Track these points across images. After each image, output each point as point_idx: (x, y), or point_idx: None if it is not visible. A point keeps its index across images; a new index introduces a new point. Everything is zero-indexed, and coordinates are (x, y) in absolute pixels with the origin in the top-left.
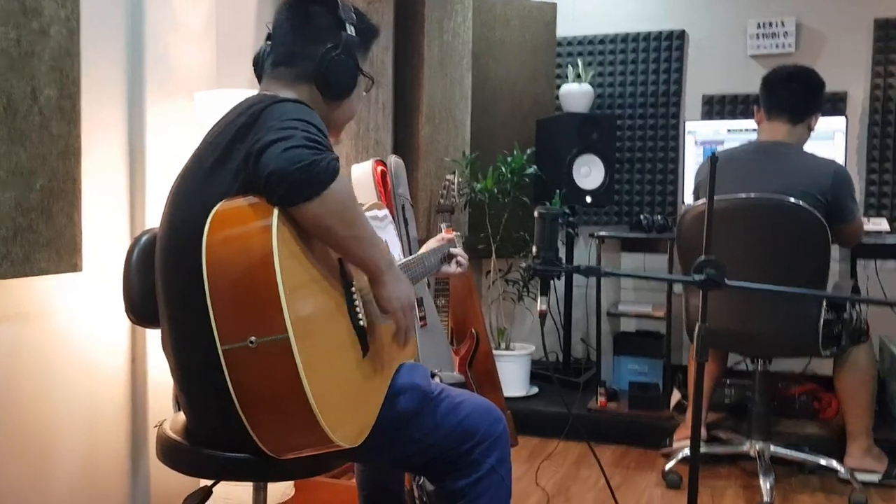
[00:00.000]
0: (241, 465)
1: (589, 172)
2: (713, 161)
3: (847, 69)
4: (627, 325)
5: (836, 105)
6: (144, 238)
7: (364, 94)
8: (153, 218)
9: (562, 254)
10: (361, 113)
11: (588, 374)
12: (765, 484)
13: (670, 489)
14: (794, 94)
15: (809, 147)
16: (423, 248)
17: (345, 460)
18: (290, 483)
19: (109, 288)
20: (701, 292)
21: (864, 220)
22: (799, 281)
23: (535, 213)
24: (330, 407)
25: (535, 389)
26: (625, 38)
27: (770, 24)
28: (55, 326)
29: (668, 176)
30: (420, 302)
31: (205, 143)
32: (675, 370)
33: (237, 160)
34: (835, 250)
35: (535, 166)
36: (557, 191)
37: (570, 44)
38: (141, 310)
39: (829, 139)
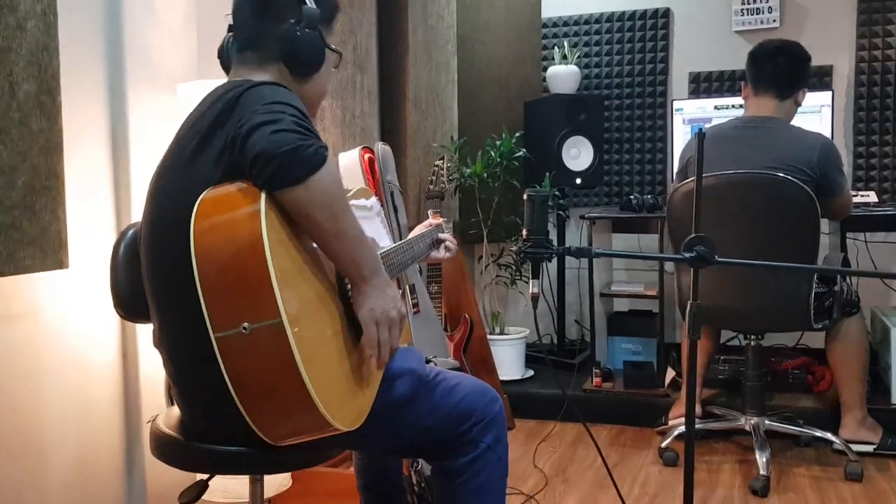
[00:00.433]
0: (237, 458)
1: (578, 154)
2: (700, 138)
3: (832, 43)
4: (620, 305)
5: (822, 79)
6: (130, 232)
7: (334, 70)
8: (139, 212)
9: (553, 236)
10: (347, 100)
11: (583, 356)
12: (760, 458)
13: (667, 466)
14: (780, 68)
15: (798, 121)
16: (411, 235)
17: (342, 448)
18: (288, 474)
19: (97, 284)
20: (692, 270)
21: (853, 192)
22: (789, 255)
23: (524, 196)
24: (327, 390)
25: (531, 372)
26: (610, 18)
27: (754, 0)
28: (44, 325)
29: (657, 155)
30: (413, 289)
31: (181, 133)
32: (669, 348)
33: (217, 147)
34: (824, 224)
35: (524, 149)
36: (547, 173)
37: (555, 25)
38: (129, 305)
39: (817, 113)
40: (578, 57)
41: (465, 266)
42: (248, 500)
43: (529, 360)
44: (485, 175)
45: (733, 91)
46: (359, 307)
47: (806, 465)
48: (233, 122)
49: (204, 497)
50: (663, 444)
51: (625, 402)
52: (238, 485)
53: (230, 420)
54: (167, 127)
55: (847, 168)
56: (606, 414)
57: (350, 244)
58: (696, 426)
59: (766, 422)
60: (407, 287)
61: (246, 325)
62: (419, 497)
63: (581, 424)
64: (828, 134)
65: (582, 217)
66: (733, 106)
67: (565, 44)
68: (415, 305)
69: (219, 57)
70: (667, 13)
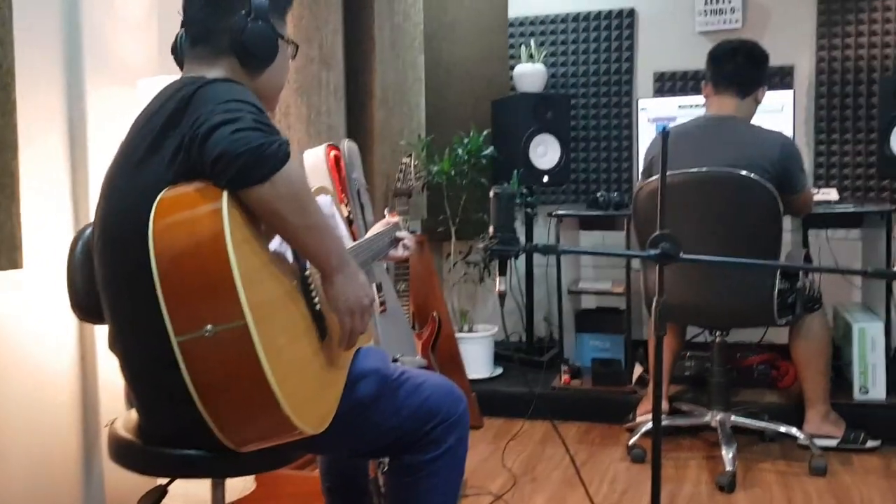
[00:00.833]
0: (197, 462)
1: (545, 152)
2: (664, 136)
3: (793, 43)
4: (588, 303)
5: (783, 78)
6: (88, 231)
7: (290, 61)
8: None
9: (521, 234)
10: (312, 97)
11: (551, 353)
12: (727, 454)
13: (635, 463)
14: (740, 67)
15: (760, 121)
16: (369, 233)
17: (306, 451)
18: (251, 477)
19: (54, 284)
20: (657, 267)
21: (815, 190)
22: (753, 252)
23: (491, 194)
24: (292, 393)
25: (500, 370)
26: (576, 18)
27: (717, 0)
28: None
29: (623, 153)
30: (380, 287)
31: (132, 132)
32: (637, 345)
33: (171, 148)
34: (787, 221)
35: (491, 147)
36: (515, 171)
37: (521, 24)
38: (87, 305)
39: (778, 112)
40: (545, 56)
41: (433, 264)
42: None
43: (498, 358)
44: (452, 173)
45: (697, 90)
46: (332, 299)
47: (771, 460)
48: (187, 121)
49: (164, 502)
50: (631, 441)
51: (593, 399)
52: (199, 489)
53: (190, 424)
54: (127, 123)
55: (808, 166)
56: (575, 411)
57: (319, 236)
58: (663, 423)
59: (732, 418)
60: (374, 286)
61: (209, 327)
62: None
63: (550, 422)
64: (789, 132)
65: (549, 215)
66: (697, 105)
67: (532, 43)
68: (382, 304)
69: (172, 53)
70: (632, 13)
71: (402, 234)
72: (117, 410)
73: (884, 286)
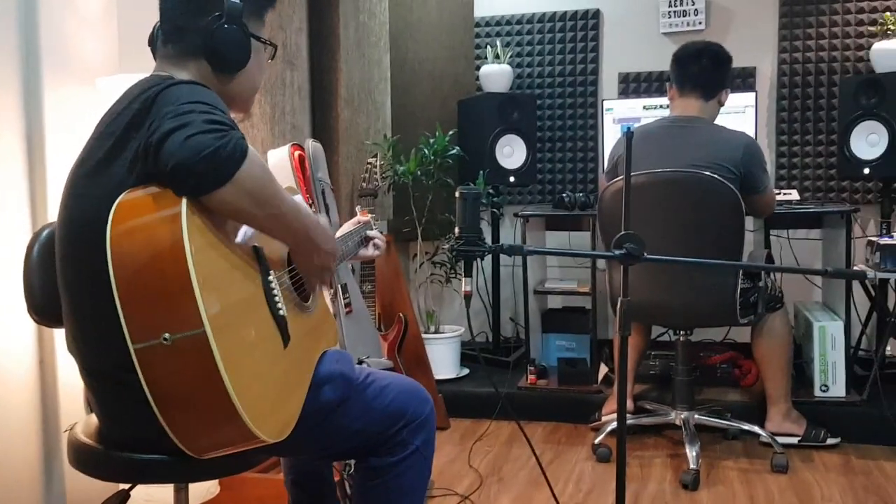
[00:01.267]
0: (158, 467)
1: (511, 152)
2: (629, 137)
3: (755, 45)
4: (555, 303)
5: (745, 80)
6: (45, 232)
7: (268, 62)
8: (55, 211)
9: (488, 234)
10: (276, 97)
11: (518, 353)
12: (690, 452)
13: (600, 462)
14: (704, 70)
15: (722, 122)
16: (339, 232)
17: (269, 455)
18: (215, 481)
19: (10, 287)
20: (621, 267)
21: (776, 191)
22: (715, 252)
23: (456, 194)
24: (252, 402)
25: (466, 371)
26: (541, 18)
27: (681, 2)
28: None
29: (589, 153)
30: (345, 288)
31: (97, 132)
32: (602, 344)
33: (132, 150)
34: (749, 221)
35: (457, 147)
36: (481, 171)
37: (487, 24)
38: (44, 309)
39: (741, 113)
40: (511, 56)
41: (400, 264)
42: None
43: (465, 359)
44: (418, 173)
45: (661, 91)
46: (303, 272)
47: (734, 457)
48: (146, 125)
49: None
50: (596, 441)
51: (559, 398)
52: (162, 493)
53: (150, 429)
54: (86, 122)
55: (770, 167)
56: (541, 411)
57: (286, 220)
58: (628, 422)
59: (696, 416)
60: (339, 287)
61: (167, 335)
62: (352, 500)
63: (516, 423)
64: (751, 133)
65: (516, 215)
66: (661, 106)
67: (498, 43)
68: (347, 305)
69: (149, 44)
70: (597, 14)
71: (372, 233)
72: (78, 414)
73: (843, 285)
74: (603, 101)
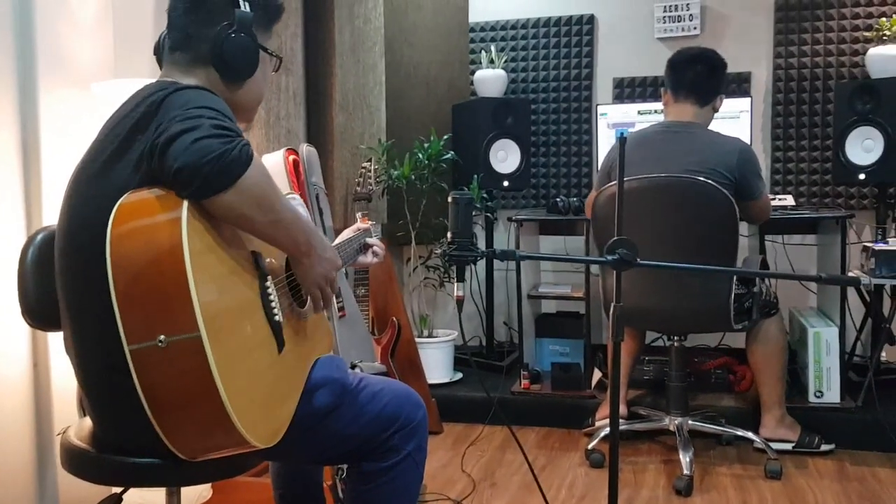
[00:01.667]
0: (151, 471)
1: (505, 157)
2: (622, 142)
3: (750, 50)
4: (548, 307)
5: (740, 85)
6: (40, 236)
7: (273, 73)
8: (50, 215)
9: (482, 238)
10: (271, 101)
11: (511, 358)
12: (684, 458)
13: (593, 468)
14: (699, 75)
15: (717, 127)
16: (339, 239)
17: (262, 459)
18: (207, 485)
19: (4, 290)
20: (614, 272)
21: (771, 196)
22: (710, 257)
23: (449, 199)
24: (245, 407)
25: (459, 375)
26: (536, 24)
27: (675, 7)
28: None
29: (583, 158)
30: (339, 292)
31: (101, 135)
32: (596, 349)
33: (137, 152)
34: (744, 227)
35: (452, 152)
36: (475, 176)
37: (482, 29)
38: (38, 312)
39: (735, 119)
40: (506, 61)
41: (393, 268)
42: None
43: (458, 363)
44: (413, 177)
45: (656, 96)
46: (301, 277)
47: (728, 463)
48: (152, 128)
49: None
50: (590, 446)
51: (552, 404)
52: (155, 497)
53: (143, 431)
54: (81, 127)
55: (765, 172)
56: (534, 416)
57: (286, 227)
58: (622, 427)
59: (690, 422)
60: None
61: (162, 337)
62: None
63: (508, 427)
64: (746, 139)
65: (510, 219)
66: (656, 111)
67: (492, 48)
68: (340, 309)
69: (155, 52)
70: (591, 20)
71: (372, 240)
72: (71, 418)
73: (838, 291)
74: (597, 105)
